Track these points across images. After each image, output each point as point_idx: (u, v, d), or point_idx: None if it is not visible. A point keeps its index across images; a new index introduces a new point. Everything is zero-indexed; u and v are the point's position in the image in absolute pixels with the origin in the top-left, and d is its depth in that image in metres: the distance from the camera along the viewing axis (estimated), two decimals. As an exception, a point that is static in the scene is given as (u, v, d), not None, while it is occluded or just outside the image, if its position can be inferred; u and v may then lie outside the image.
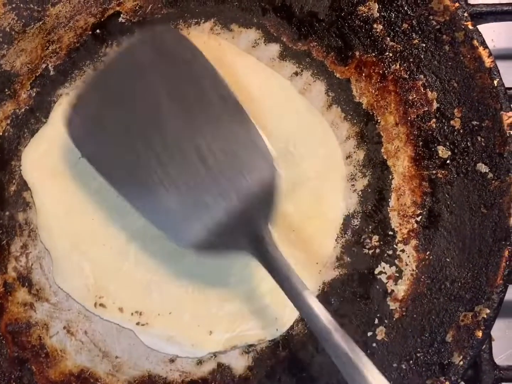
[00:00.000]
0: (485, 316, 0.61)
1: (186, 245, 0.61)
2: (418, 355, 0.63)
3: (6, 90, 0.74)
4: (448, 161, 0.68)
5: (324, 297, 0.69)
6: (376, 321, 0.67)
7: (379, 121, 0.71)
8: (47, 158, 0.72)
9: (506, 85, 0.65)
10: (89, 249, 0.70)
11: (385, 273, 0.68)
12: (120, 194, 0.64)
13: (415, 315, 0.65)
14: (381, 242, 0.69)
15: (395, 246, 0.68)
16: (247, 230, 0.59)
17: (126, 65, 0.63)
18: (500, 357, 0.75)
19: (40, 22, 0.74)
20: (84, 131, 0.63)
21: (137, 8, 0.76)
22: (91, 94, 0.63)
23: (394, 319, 0.66)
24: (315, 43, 0.74)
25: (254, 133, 0.62)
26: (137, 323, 0.68)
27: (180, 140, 0.60)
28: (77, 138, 0.64)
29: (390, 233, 0.69)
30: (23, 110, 0.74)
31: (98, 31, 0.76)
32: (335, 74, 0.73)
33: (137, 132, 0.60)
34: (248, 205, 0.59)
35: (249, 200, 0.59)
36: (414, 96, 0.70)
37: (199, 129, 0.60)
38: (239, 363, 0.68)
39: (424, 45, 0.70)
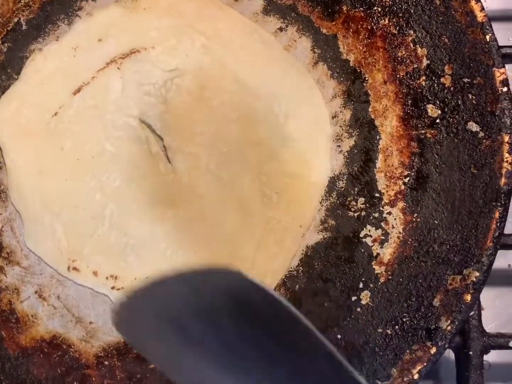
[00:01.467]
0: (474, 280, 0.59)
1: None
2: (404, 320, 0.61)
3: (-24, 45, 0.70)
4: (437, 120, 0.65)
5: (307, 261, 0.66)
6: (361, 285, 0.64)
7: (367, 79, 0.68)
8: (19, 116, 0.69)
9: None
10: (62, 210, 0.67)
11: (371, 236, 0.65)
12: None
13: (401, 279, 0.63)
14: (367, 205, 0.66)
15: (381, 208, 0.66)
16: None
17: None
18: (490, 327, 0.73)
19: (12, -27, 0.71)
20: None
21: (114, -40, 0.72)
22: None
23: (380, 283, 0.64)
24: (301, -3, 0.70)
25: None
26: (112, 288, 0.66)
27: None
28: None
29: (377, 195, 0.66)
30: (-7, 65, 0.70)
31: (72, -17, 0.72)
32: (321, 30, 0.70)
33: None
34: None
35: None
36: (404, 53, 0.67)
37: None
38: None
39: (414, -1, 0.66)
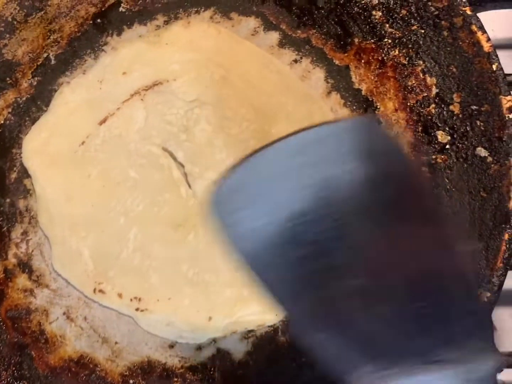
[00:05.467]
0: (486, 300, 0.61)
1: None
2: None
3: (8, 79, 0.74)
4: (447, 146, 0.67)
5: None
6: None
7: (378, 107, 0.71)
8: (48, 146, 0.73)
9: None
10: (89, 235, 0.70)
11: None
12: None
13: (415, 300, 0.65)
14: (381, 228, 0.69)
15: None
16: None
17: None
18: (503, 347, 0.75)
19: (42, 12, 0.75)
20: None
21: (137, -3, 0.77)
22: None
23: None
24: (314, 31, 0.74)
25: None
26: (136, 309, 0.68)
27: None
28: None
29: (390, 218, 0.69)
30: (24, 98, 0.74)
31: (99, 20, 0.77)
32: (334, 61, 0.73)
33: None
34: None
35: None
36: (413, 82, 0.70)
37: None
38: (238, 349, 0.67)
39: (422, 31, 0.70)
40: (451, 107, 0.68)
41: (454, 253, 0.38)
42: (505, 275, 0.61)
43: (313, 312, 0.40)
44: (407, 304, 0.38)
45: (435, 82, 0.69)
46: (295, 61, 0.74)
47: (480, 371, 0.38)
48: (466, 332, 0.39)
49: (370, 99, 0.72)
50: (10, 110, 0.74)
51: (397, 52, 0.71)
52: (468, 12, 0.67)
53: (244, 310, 0.68)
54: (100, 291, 0.69)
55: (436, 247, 0.38)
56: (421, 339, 0.38)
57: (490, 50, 0.66)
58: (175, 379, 0.67)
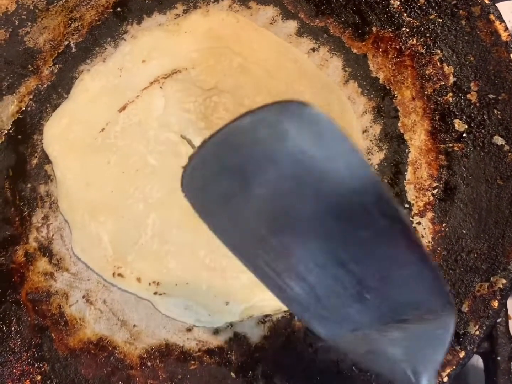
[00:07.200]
0: (501, 286, 0.61)
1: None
2: (434, 325, 0.63)
3: (29, 66, 0.76)
4: (464, 134, 0.68)
5: (340, 268, 0.69)
6: (392, 292, 0.67)
7: (396, 95, 0.72)
8: (68, 132, 0.74)
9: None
10: (108, 220, 0.71)
11: (401, 245, 0.68)
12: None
13: (431, 286, 0.65)
14: (397, 215, 0.69)
15: (411, 218, 0.69)
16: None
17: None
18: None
19: (63, 0, 0.76)
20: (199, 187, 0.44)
21: (157, -14, 0.78)
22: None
23: (410, 290, 0.66)
24: (332, 20, 0.75)
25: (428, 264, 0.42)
26: (155, 293, 0.69)
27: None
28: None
29: (406, 206, 0.69)
30: (45, 85, 0.76)
31: (119, 9, 0.78)
32: (352, 50, 0.74)
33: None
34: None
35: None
36: (431, 71, 0.70)
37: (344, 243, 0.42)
38: (255, 333, 0.68)
39: (440, 20, 0.70)
40: (468, 95, 0.68)
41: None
42: (521, 262, 0.62)
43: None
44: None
45: (452, 71, 0.69)
46: (313, 49, 0.74)
47: (438, 328, 0.44)
48: (421, 295, 0.43)
49: (388, 87, 0.72)
50: (31, 97, 0.75)
51: (415, 41, 0.71)
52: (486, 1, 0.67)
53: (261, 295, 0.68)
54: (119, 275, 0.70)
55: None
56: (384, 302, 0.44)
57: (508, 40, 0.66)
58: (193, 362, 0.68)
